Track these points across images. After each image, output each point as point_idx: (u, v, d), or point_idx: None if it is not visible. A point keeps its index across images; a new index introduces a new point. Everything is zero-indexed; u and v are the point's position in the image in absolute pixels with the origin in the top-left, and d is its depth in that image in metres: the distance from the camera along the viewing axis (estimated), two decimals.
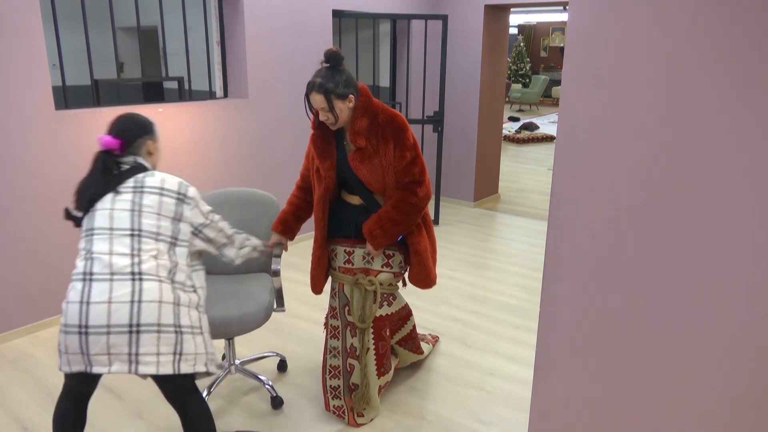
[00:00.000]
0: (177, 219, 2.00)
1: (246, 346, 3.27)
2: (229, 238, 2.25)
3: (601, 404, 1.56)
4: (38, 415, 2.65)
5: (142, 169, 2.02)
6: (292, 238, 2.67)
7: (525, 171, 8.28)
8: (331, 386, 2.61)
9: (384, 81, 6.15)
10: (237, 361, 2.85)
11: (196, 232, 2.09)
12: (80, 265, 1.87)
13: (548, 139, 11.03)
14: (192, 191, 2.07)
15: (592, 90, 1.39)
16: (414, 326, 2.86)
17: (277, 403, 2.71)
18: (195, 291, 2.01)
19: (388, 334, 2.61)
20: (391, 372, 2.69)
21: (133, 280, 1.84)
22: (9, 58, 3.08)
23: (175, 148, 3.95)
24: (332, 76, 2.25)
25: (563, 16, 16.12)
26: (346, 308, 2.54)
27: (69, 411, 1.99)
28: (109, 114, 3.55)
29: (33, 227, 3.30)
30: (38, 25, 3.18)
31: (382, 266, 2.52)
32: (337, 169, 2.42)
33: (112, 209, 1.92)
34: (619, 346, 1.49)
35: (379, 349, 2.56)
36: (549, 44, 18.12)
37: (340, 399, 2.60)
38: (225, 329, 2.46)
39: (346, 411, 2.58)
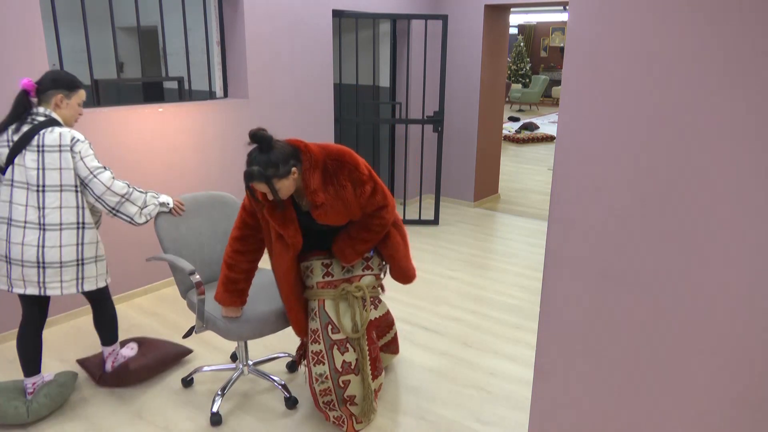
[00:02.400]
0: (74, 168, 2.39)
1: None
2: (124, 196, 2.45)
3: (601, 404, 1.56)
4: None
5: (51, 123, 2.38)
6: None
7: (525, 171, 8.28)
8: (324, 402, 2.52)
9: (384, 81, 6.15)
10: (250, 362, 2.86)
11: (83, 185, 2.42)
12: (4, 209, 2.38)
13: (548, 139, 11.03)
14: (79, 146, 2.38)
15: (592, 90, 1.39)
16: (396, 332, 2.86)
17: (291, 403, 2.71)
18: (96, 226, 2.56)
19: (375, 336, 2.57)
20: (383, 374, 2.64)
21: (40, 229, 2.38)
22: (9, 58, 3.08)
23: (175, 148, 3.95)
24: (269, 159, 2.14)
25: (563, 16, 16.12)
26: (329, 327, 2.43)
27: (25, 335, 2.56)
28: (109, 114, 3.55)
29: None
30: (38, 25, 3.18)
31: (363, 270, 2.52)
32: (302, 228, 2.39)
33: (26, 167, 2.35)
34: (619, 345, 1.49)
35: (372, 353, 2.52)
36: (549, 44, 18.12)
37: (337, 410, 2.53)
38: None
39: (345, 420, 2.53)
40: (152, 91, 7.17)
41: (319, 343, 2.44)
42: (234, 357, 3.12)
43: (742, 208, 1.24)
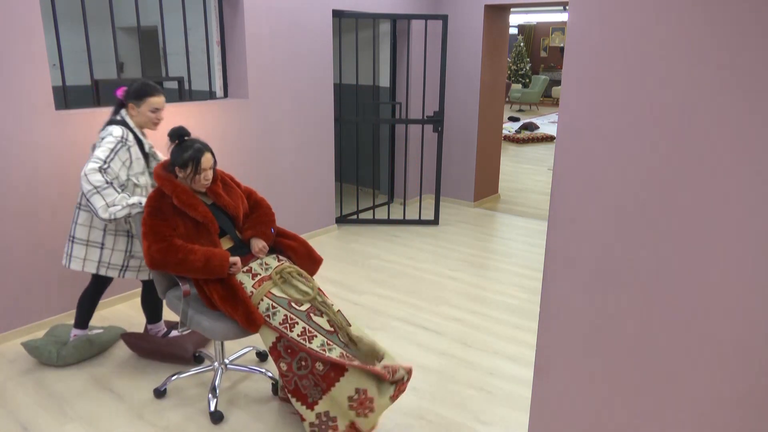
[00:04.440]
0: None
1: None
2: (97, 188, 2.58)
3: (601, 404, 1.56)
4: (38, 415, 2.65)
5: (120, 123, 2.77)
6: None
7: (525, 171, 8.28)
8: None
9: (384, 81, 6.14)
10: (226, 360, 2.88)
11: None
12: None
13: (548, 139, 11.03)
14: (107, 139, 2.66)
15: (592, 90, 1.39)
16: None
17: (278, 387, 2.77)
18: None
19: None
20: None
21: (78, 208, 2.87)
22: (9, 58, 3.08)
23: None
24: (198, 140, 2.63)
25: (563, 16, 16.12)
26: (293, 304, 2.47)
27: (85, 293, 3.02)
28: (108, 114, 3.55)
29: (32, 227, 3.30)
30: (38, 25, 3.18)
31: (278, 260, 2.71)
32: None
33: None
34: (619, 345, 1.49)
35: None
36: (549, 44, 18.12)
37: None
38: None
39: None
40: None
41: (298, 322, 2.42)
42: (199, 359, 3.11)
43: (743, 208, 1.24)
